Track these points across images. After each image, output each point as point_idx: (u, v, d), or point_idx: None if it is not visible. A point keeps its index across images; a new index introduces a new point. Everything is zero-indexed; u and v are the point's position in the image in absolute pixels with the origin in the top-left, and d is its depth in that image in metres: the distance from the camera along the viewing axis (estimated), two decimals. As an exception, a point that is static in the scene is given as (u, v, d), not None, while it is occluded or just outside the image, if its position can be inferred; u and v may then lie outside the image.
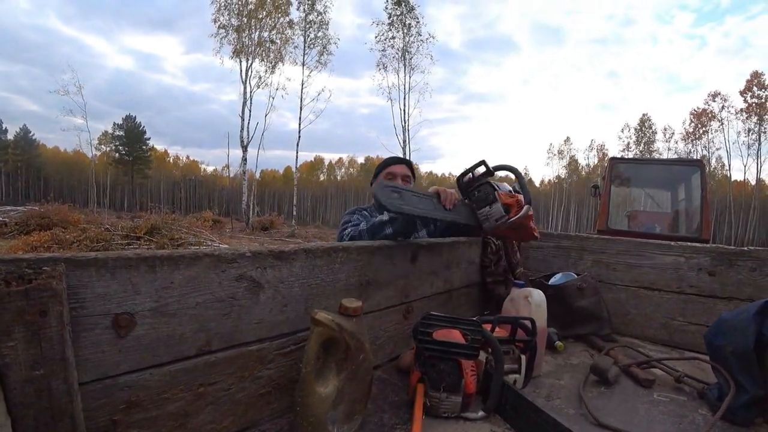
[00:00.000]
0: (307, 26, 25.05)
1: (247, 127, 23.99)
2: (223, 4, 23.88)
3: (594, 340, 1.66)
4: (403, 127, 24.56)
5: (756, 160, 39.52)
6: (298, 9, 25.13)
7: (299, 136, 24.09)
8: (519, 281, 1.61)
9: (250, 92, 24.70)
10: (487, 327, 1.11)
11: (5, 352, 0.57)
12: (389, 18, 24.87)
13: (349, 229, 1.56)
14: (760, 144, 38.69)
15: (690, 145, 42.85)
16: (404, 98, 24.90)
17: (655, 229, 5.44)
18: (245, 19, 24.32)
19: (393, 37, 24.73)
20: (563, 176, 61.01)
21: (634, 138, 46.08)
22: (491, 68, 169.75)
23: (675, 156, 40.43)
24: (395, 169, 1.95)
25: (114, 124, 59.03)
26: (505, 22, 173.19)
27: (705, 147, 42.24)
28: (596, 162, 58.85)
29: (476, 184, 1.60)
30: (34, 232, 10.87)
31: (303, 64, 24.93)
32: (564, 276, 1.85)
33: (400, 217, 1.32)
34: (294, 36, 25.31)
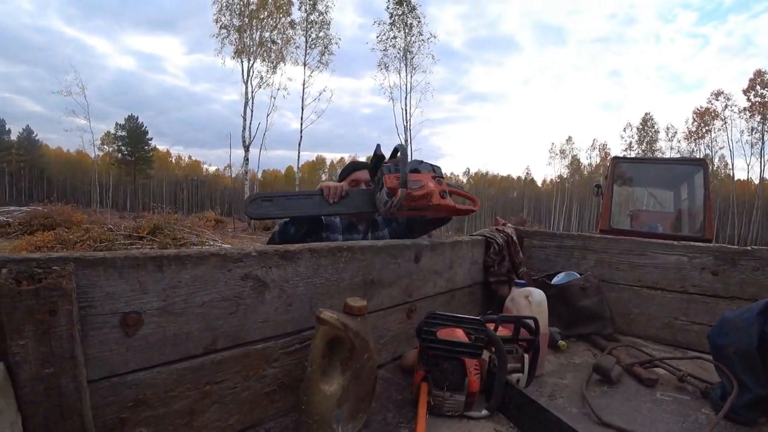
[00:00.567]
0: (309, 26, 25.09)
1: (249, 127, 24.05)
2: (224, 4, 23.93)
3: (597, 339, 1.66)
4: (405, 127, 24.59)
5: (759, 159, 39.41)
6: (299, 9, 25.17)
7: (301, 136, 24.16)
8: (520, 280, 1.61)
9: (252, 92, 24.75)
10: (490, 326, 1.11)
11: (16, 351, 0.57)
12: (391, 18, 24.91)
13: (278, 227, 1.73)
14: (763, 143, 38.57)
15: (693, 144, 42.73)
16: (406, 98, 24.92)
17: (657, 228, 5.43)
18: (247, 20, 24.36)
19: (395, 37, 24.78)
20: (565, 176, 60.91)
21: (636, 137, 46.01)
22: (493, 68, 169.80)
23: (678, 155, 40.29)
24: (358, 176, 1.96)
25: (116, 124, 59.26)
26: (507, 22, 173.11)
27: (708, 146, 42.14)
28: (598, 161, 58.79)
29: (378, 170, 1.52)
30: (38, 232, 10.92)
31: (304, 65, 24.99)
32: (567, 275, 1.85)
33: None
34: (295, 36, 25.35)
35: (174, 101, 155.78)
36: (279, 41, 25.09)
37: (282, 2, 24.78)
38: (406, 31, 24.74)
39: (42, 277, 0.59)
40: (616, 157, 5.91)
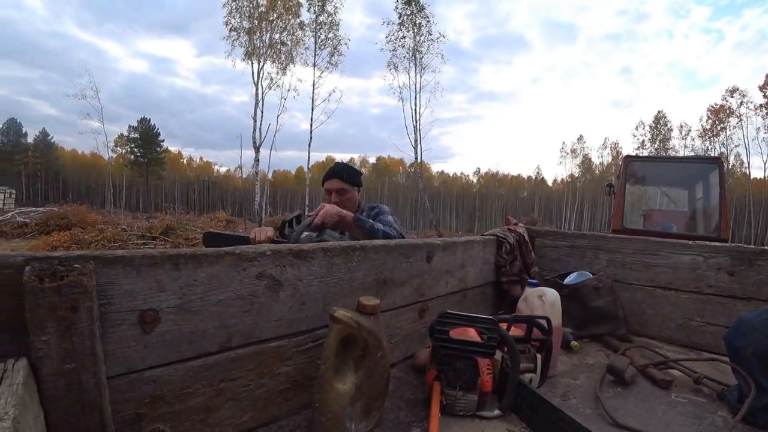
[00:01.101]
0: (318, 27, 25.18)
1: (260, 128, 24.20)
2: (234, 6, 24.12)
3: (610, 340, 1.65)
4: (415, 127, 24.54)
5: (776, 157, 38.57)
6: (308, 10, 25.28)
7: (311, 137, 24.25)
8: (533, 280, 1.60)
9: (262, 94, 24.92)
10: (503, 326, 1.11)
11: (39, 346, 0.59)
12: (399, 18, 24.86)
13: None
14: (780, 140, 37.75)
15: (707, 143, 41.93)
16: (415, 98, 24.87)
17: (671, 228, 5.34)
18: (256, 22, 24.53)
19: (403, 37, 24.71)
20: (576, 175, 60.27)
21: (649, 135, 45.24)
22: (502, 67, 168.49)
23: (692, 153, 39.65)
24: (328, 186, 2.05)
25: (129, 126, 60.10)
26: (516, 20, 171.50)
27: (723, 144, 41.31)
28: (610, 160, 58.08)
29: None
30: (54, 232, 11.13)
31: (314, 65, 25.07)
32: (579, 275, 1.83)
33: None
34: (305, 37, 25.46)
35: (185, 103, 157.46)
36: (288, 42, 25.23)
37: (291, 4, 24.92)
38: (415, 30, 24.68)
39: (64, 275, 0.60)
40: (628, 156, 5.83)
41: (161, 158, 63.02)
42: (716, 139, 41.53)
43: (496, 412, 1.02)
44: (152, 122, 61.77)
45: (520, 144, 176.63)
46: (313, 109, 24.39)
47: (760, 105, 37.92)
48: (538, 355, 1.15)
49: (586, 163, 59.59)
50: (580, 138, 60.00)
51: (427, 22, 24.94)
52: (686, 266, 1.68)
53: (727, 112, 40.50)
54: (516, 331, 1.18)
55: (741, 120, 39.82)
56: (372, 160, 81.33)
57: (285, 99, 25.20)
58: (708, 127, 41.84)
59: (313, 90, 24.72)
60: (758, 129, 38.71)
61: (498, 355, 1.10)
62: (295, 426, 0.92)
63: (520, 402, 1.04)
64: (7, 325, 0.60)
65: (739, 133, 40.42)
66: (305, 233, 1.59)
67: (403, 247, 1.24)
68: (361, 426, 0.83)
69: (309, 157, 25.29)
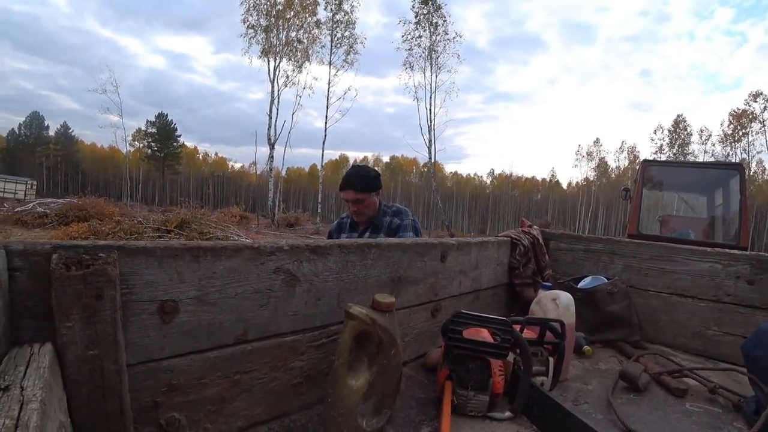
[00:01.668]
0: (334, 26, 25.27)
1: (275, 125, 24.43)
2: (252, 4, 24.36)
3: (623, 346, 1.63)
4: (429, 127, 24.47)
5: (800, 165, 37.50)
6: (325, 9, 25.39)
7: (325, 135, 24.36)
8: (546, 283, 1.59)
9: (278, 91, 25.12)
10: (516, 328, 1.11)
11: (64, 332, 0.60)
12: (416, 17, 24.85)
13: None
14: (805, 148, 36.72)
15: (728, 148, 41.02)
16: (430, 97, 24.80)
17: (689, 234, 5.24)
18: (273, 19, 24.73)
19: (420, 36, 24.68)
20: (592, 178, 59.45)
21: (667, 140, 44.48)
22: (518, 67, 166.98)
23: (712, 159, 38.75)
24: (345, 197, 2.05)
25: (147, 121, 61.23)
26: (533, 20, 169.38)
27: (744, 150, 40.36)
28: (626, 164, 57.18)
29: None
30: (73, 223, 11.38)
31: (330, 64, 25.17)
32: (593, 280, 1.82)
33: None
34: (321, 36, 25.58)
35: (202, 99, 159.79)
36: (305, 40, 25.40)
37: (308, 2, 25.05)
38: (432, 30, 24.65)
39: (89, 264, 0.61)
40: (646, 160, 5.73)
41: (177, 153, 63.96)
42: (737, 145, 40.58)
43: (507, 413, 1.02)
44: (169, 117, 62.77)
45: (535, 146, 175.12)
46: (327, 107, 24.50)
47: (785, 111, 36.92)
48: (551, 359, 1.14)
49: (602, 166, 58.79)
50: (597, 141, 59.30)
51: (444, 21, 24.90)
52: (704, 274, 1.65)
53: (750, 117, 39.54)
54: (529, 334, 1.17)
55: (764, 125, 38.82)
56: (386, 159, 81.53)
57: (300, 97, 25.41)
58: (729, 132, 40.92)
59: (329, 88, 24.82)
60: (782, 135, 37.71)
61: (510, 357, 1.10)
62: (307, 420, 0.93)
63: (531, 404, 1.03)
64: (33, 311, 0.61)
65: (762, 138, 39.42)
66: None
67: (419, 246, 1.24)
68: (372, 422, 0.83)
69: (323, 155, 25.41)
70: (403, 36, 24.84)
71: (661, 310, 1.74)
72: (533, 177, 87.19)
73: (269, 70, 25.28)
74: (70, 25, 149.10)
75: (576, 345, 1.47)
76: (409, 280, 1.21)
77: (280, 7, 24.55)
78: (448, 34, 24.83)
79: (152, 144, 60.09)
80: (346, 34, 25.33)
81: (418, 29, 24.76)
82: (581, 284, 1.82)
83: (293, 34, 25.33)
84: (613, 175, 59.84)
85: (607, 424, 1.03)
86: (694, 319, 1.66)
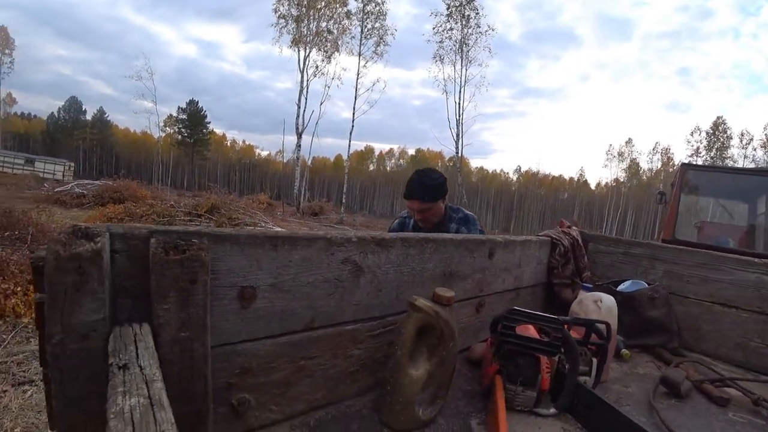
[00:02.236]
0: (365, 17, 25.19)
1: (303, 115, 24.65)
2: (284, -6, 24.48)
3: (661, 352, 1.63)
4: (457, 121, 24.22)
5: None
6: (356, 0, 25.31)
7: (353, 126, 24.43)
8: (587, 284, 1.60)
9: (307, 81, 25.30)
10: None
11: (161, 314, 0.65)
12: (448, 9, 24.49)
13: None
14: None
15: (771, 153, 39.10)
16: (460, 91, 24.51)
17: (727, 242, 5.05)
18: (304, 9, 24.84)
19: (451, 29, 24.33)
20: (622, 180, 57.70)
21: (705, 143, 42.62)
22: (549, 62, 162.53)
23: (752, 164, 37.02)
24: (410, 205, 2.01)
25: (178, 108, 62.55)
26: (567, 13, 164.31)
27: (789, 156, 38.39)
28: (659, 166, 55.24)
29: None
30: (109, 204, 11.84)
31: (359, 55, 25.14)
32: (633, 284, 1.81)
33: None
34: (351, 26, 25.56)
35: (231, 87, 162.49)
36: (335, 31, 25.44)
37: (339, -8, 25.03)
38: (463, 23, 24.27)
39: (185, 249, 0.65)
40: (685, 164, 5.54)
41: (206, 139, 65.30)
42: (781, 150, 38.62)
43: (552, 410, 1.05)
44: (200, 105, 64.03)
45: (563, 143, 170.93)
46: (356, 98, 24.53)
47: (836, 115, 34.85)
48: (594, 359, 1.16)
49: (633, 167, 56.93)
50: (629, 141, 57.25)
51: (476, 14, 24.46)
52: (750, 284, 1.62)
53: (797, 121, 37.43)
54: (574, 334, 1.20)
55: (811, 131, 36.75)
56: (411, 151, 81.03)
57: (329, 87, 25.50)
58: (773, 136, 38.93)
59: (357, 79, 24.82)
60: (831, 141, 35.67)
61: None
62: (361, 407, 0.98)
63: (576, 402, 1.06)
64: (131, 292, 0.66)
65: (809, 144, 37.38)
66: None
67: (469, 242, 1.27)
68: (427, 411, 0.88)
69: (349, 146, 25.51)
70: (434, 28, 24.55)
71: (702, 319, 1.72)
72: (560, 175, 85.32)
73: (299, 59, 25.51)
74: (105, 12, 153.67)
75: (615, 347, 1.48)
76: (459, 275, 1.24)
77: (311, -3, 24.66)
78: (480, 27, 24.44)
79: (182, 130, 61.51)
80: (377, 25, 25.25)
81: (449, 21, 24.45)
82: (620, 288, 1.81)
83: (323, 24, 25.44)
84: (644, 177, 57.96)
85: (650, 427, 1.04)
86: (736, 329, 1.64)
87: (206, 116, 64.46)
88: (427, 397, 0.87)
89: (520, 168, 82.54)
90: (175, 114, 61.30)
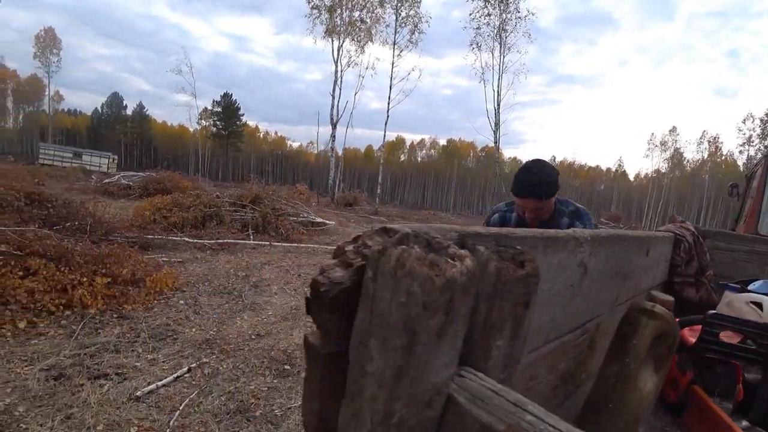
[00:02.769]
0: (399, 4, 24.84)
1: (337, 105, 24.71)
2: (317, -16, 24.45)
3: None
4: (496, 110, 23.63)
5: None
6: (389, -13, 24.97)
7: (387, 116, 24.28)
8: (733, 285, 1.48)
9: (341, 71, 25.29)
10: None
11: (493, 353, 0.45)
12: (486, -6, 23.77)
13: None
14: None
15: (834, 141, 36.36)
16: (498, 79, 23.88)
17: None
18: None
19: (489, 14, 23.63)
20: (664, 170, 55.10)
21: (758, 131, 40.06)
22: (584, 47, 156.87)
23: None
24: (523, 204, 1.83)
25: (213, 101, 63.92)
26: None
27: None
28: (705, 156, 52.45)
29: None
30: (157, 195, 12.25)
31: (394, 43, 24.88)
32: (766, 284, 1.67)
33: None
34: (384, 15, 25.29)
35: (261, 80, 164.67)
36: (368, 20, 25.24)
37: (373, -20, 24.78)
38: (502, 8, 23.52)
39: (523, 261, 0.46)
40: (769, 154, 5.17)
41: (240, 131, 66.64)
42: None
43: (744, 423, 0.96)
44: (233, 97, 65.32)
45: (600, 132, 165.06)
46: (391, 88, 24.34)
47: None
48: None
49: (676, 157, 54.22)
50: (673, 129, 54.41)
51: (515, -2, 23.61)
52: None
53: None
54: (727, 339, 1.09)
55: None
56: (442, 142, 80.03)
57: (362, 77, 25.41)
58: (836, 122, 36.18)
59: (392, 68, 24.61)
60: None
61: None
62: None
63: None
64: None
65: None
66: None
67: (640, 239, 1.17)
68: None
69: (384, 136, 25.41)
70: (470, 14, 23.85)
71: None
72: (597, 166, 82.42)
73: (332, 50, 25.48)
74: (142, 11, 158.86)
75: None
76: (625, 274, 1.15)
77: (344, -14, 24.50)
78: (519, 11, 23.61)
79: (217, 123, 62.97)
80: (411, 12, 24.85)
81: (487, 6, 23.71)
82: (751, 287, 1.68)
83: (357, 13, 25.26)
84: (688, 168, 55.17)
85: None
86: None
87: (239, 109, 65.74)
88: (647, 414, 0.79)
89: (554, 158, 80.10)
90: (210, 107, 62.84)
